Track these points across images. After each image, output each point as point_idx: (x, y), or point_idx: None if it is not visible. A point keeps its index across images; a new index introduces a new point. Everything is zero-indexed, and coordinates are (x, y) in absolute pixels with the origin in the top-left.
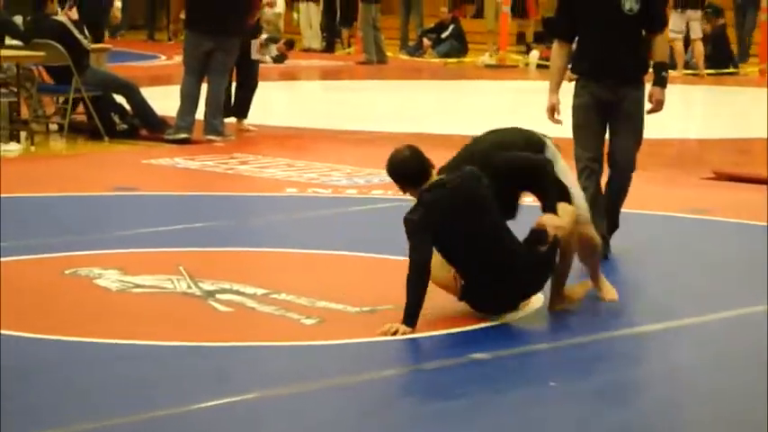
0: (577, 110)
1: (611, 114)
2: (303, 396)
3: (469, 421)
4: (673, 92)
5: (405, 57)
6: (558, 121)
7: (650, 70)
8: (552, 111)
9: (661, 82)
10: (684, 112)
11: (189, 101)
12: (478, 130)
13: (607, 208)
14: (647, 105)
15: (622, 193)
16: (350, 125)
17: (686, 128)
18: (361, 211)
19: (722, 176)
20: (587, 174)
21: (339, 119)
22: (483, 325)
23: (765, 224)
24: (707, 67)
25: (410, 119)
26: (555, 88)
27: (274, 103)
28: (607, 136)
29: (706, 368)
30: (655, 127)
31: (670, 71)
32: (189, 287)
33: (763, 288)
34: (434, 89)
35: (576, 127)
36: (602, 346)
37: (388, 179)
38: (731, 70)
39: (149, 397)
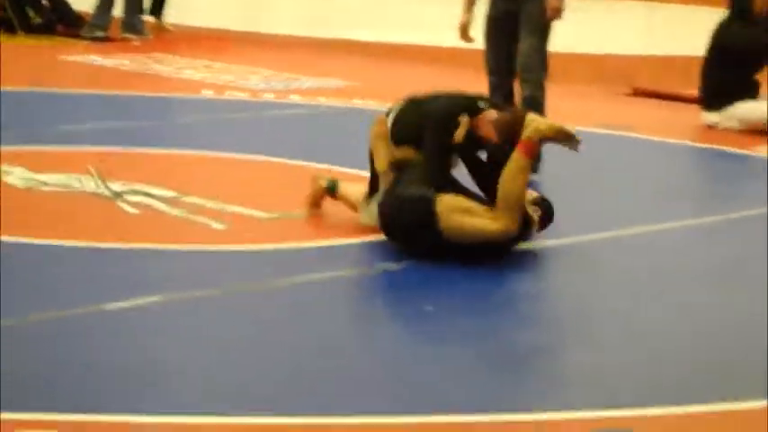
0: (485, 23)
1: (517, 25)
2: (209, 300)
3: (376, 330)
4: (593, 6)
5: None
6: (470, 39)
7: None
8: (463, 29)
9: None
10: (605, 27)
11: None
12: (400, 38)
13: None
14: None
15: (533, 102)
16: (271, 28)
17: (606, 43)
18: (277, 115)
19: (641, 93)
20: (491, 88)
21: (260, 21)
22: None
23: (681, 142)
24: None
25: (333, 24)
26: (467, 6)
27: (195, 2)
28: None
29: (624, 279)
30: (573, 41)
31: None
32: (97, 187)
33: (678, 204)
34: None
35: (484, 40)
36: (516, 259)
37: (306, 84)
38: None
39: (55, 297)
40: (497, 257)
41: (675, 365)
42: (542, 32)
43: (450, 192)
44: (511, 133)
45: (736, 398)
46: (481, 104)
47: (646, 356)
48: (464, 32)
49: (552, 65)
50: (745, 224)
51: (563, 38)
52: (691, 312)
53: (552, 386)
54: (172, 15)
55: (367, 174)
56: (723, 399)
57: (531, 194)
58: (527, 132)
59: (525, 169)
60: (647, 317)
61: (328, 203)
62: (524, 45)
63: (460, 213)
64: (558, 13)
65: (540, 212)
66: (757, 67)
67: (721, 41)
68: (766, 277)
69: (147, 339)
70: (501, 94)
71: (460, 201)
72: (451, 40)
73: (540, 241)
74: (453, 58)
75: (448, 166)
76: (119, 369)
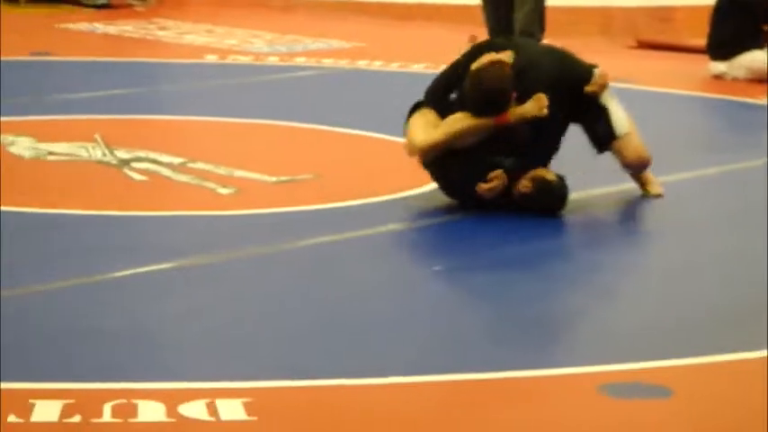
0: None
1: None
2: (218, 265)
3: (387, 292)
4: None
5: None
6: None
7: None
8: None
9: None
10: None
11: None
12: None
13: None
14: None
15: None
16: None
17: None
18: (281, 78)
19: (646, 44)
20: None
21: None
22: (398, 195)
23: (689, 92)
24: None
25: None
26: None
27: None
28: None
29: (635, 232)
30: None
31: None
32: (104, 155)
33: (688, 155)
34: None
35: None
36: (524, 216)
37: (311, 47)
38: None
39: (63, 266)
40: (505, 212)
41: (681, 318)
42: None
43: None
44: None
45: (738, 349)
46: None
47: (654, 309)
48: None
49: (557, 19)
50: (755, 174)
51: None
52: (700, 263)
53: (560, 341)
54: None
55: (377, 135)
56: (734, 349)
57: (544, 173)
58: (517, 108)
59: (479, 126)
60: (656, 269)
61: (337, 166)
62: (523, 7)
63: (419, 120)
64: None
65: (529, 188)
66: (766, 17)
67: None
68: None
69: (158, 306)
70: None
71: (432, 115)
72: None
73: None
74: (460, 15)
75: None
76: (131, 337)
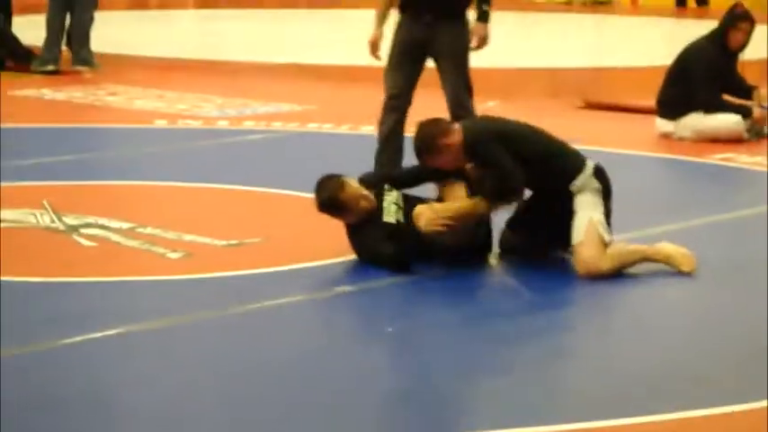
0: (392, 47)
1: (430, 53)
2: (169, 330)
3: (337, 355)
4: (543, 21)
5: None
6: (378, 57)
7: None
8: (374, 45)
9: (483, 17)
10: (556, 41)
11: (55, 32)
12: (355, 60)
13: None
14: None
15: None
16: (223, 55)
17: (557, 57)
18: (231, 142)
19: (593, 105)
20: (387, 109)
21: (211, 49)
22: (346, 258)
23: (639, 152)
24: None
25: (285, 49)
26: (379, 22)
27: (146, 32)
28: None
29: (592, 292)
30: (525, 56)
31: None
32: (52, 222)
33: (638, 215)
34: (311, 19)
35: (388, 63)
36: (475, 278)
37: (260, 110)
38: None
39: (13, 334)
40: (453, 274)
41: (635, 376)
42: (465, 66)
43: None
44: None
45: (735, 401)
46: None
47: (607, 367)
48: (374, 49)
49: (505, 80)
50: (708, 230)
51: (515, 54)
52: (652, 323)
53: (516, 401)
54: (123, 46)
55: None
56: (725, 402)
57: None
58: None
59: None
60: (614, 328)
61: (286, 229)
62: (453, 86)
63: None
64: (484, 41)
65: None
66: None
67: (687, 63)
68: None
69: (109, 373)
70: (395, 117)
71: None
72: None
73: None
74: None
75: None
76: (81, 405)
